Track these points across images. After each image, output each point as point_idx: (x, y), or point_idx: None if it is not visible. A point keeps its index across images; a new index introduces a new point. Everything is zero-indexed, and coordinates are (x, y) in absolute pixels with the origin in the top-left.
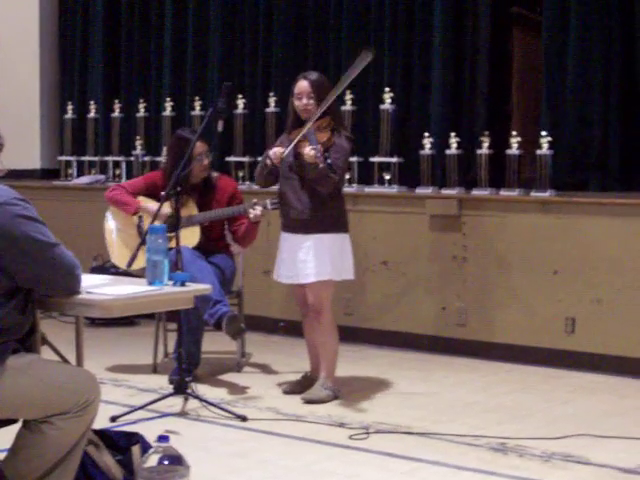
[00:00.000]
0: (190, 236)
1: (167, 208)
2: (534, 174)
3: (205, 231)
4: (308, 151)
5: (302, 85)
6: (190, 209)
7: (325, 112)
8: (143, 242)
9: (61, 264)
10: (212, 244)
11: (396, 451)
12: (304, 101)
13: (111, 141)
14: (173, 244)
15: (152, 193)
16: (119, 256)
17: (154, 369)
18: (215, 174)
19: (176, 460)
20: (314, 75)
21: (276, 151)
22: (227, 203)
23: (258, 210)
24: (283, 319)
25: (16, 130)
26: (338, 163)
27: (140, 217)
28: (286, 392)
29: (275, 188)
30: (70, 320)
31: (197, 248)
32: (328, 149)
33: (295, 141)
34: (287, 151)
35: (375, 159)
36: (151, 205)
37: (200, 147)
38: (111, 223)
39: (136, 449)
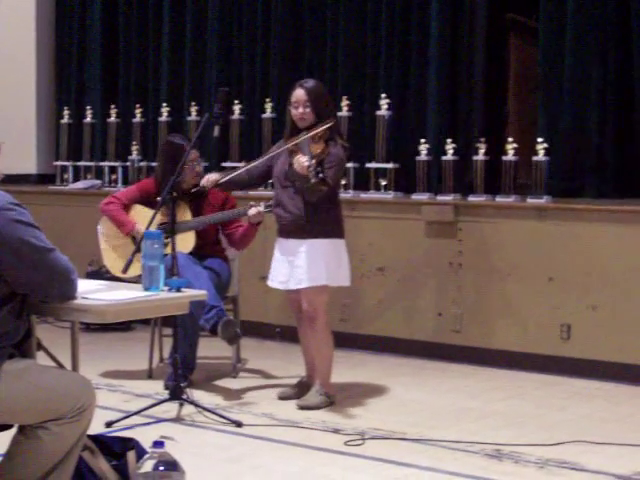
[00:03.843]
0: (185, 241)
1: (158, 216)
2: (530, 180)
3: (200, 236)
4: (300, 162)
5: (298, 93)
6: (184, 214)
7: (321, 120)
8: (138, 249)
9: (57, 269)
10: (207, 249)
11: (391, 457)
12: (300, 110)
13: (107, 146)
14: (168, 250)
15: (146, 200)
16: (113, 264)
17: (149, 374)
18: None
19: (171, 466)
20: (310, 83)
21: (209, 177)
22: (220, 207)
23: (256, 209)
24: (279, 325)
25: (12, 135)
26: (331, 174)
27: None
28: (281, 398)
29: (270, 193)
30: (65, 325)
31: (192, 253)
32: (322, 161)
33: (282, 149)
34: (230, 176)
35: (371, 165)
36: (144, 225)
37: (192, 154)
38: (105, 230)
39: (131, 455)
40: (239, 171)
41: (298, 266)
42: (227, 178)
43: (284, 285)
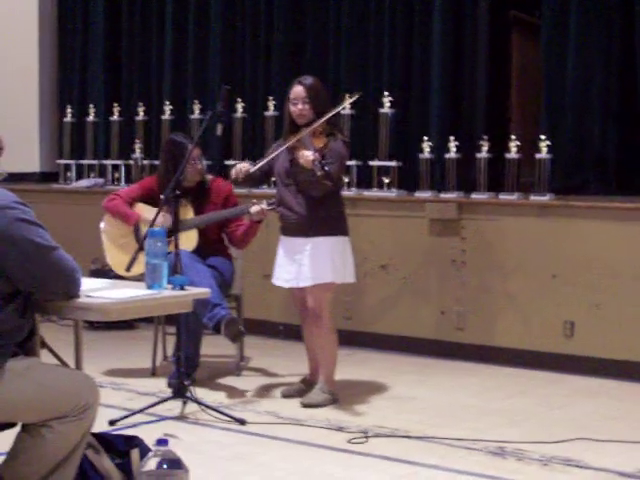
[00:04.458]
0: (188, 239)
1: (168, 216)
2: (533, 178)
3: (203, 234)
4: (305, 156)
5: (297, 90)
6: (187, 212)
7: (321, 116)
8: (141, 248)
9: (61, 268)
10: (210, 247)
11: (394, 455)
12: (299, 106)
13: (110, 144)
14: (171, 248)
15: (149, 199)
16: (117, 262)
17: (153, 372)
18: (209, 177)
19: (175, 464)
20: (309, 80)
21: (242, 167)
22: (222, 205)
23: (259, 207)
24: (282, 322)
25: (16, 133)
26: (333, 168)
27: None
28: (285, 396)
29: (273, 191)
30: (69, 324)
31: (195, 251)
32: (324, 155)
33: (284, 146)
34: (261, 164)
35: (374, 163)
36: (150, 216)
37: (194, 151)
38: (108, 229)
39: (135, 453)
40: (265, 160)
41: (304, 264)
42: (256, 167)
43: (289, 283)
